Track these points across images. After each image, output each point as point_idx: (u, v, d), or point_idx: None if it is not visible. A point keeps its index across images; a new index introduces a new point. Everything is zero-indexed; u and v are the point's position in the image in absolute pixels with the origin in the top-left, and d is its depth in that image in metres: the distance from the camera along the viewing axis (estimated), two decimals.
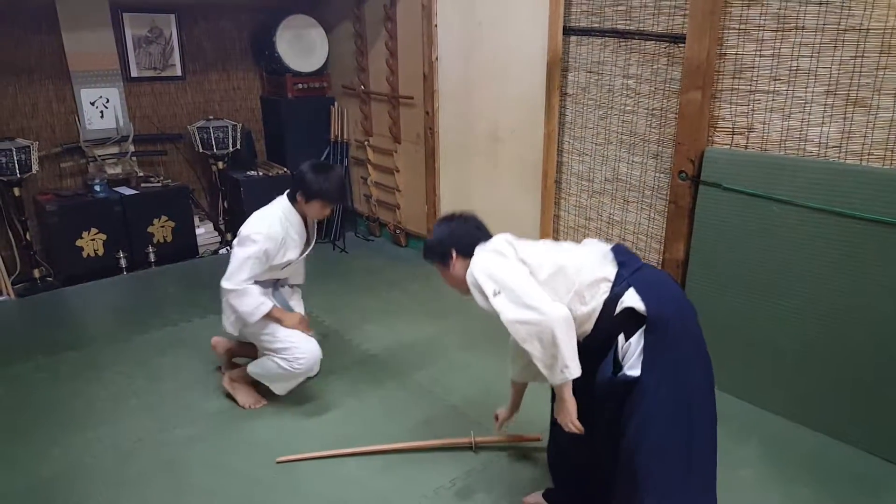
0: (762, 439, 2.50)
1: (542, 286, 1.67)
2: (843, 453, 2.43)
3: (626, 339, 1.62)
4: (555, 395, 1.80)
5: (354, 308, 3.74)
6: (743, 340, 2.71)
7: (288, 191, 2.68)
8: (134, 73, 4.57)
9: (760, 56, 2.53)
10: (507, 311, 1.66)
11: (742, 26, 2.56)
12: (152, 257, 4.41)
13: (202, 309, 3.68)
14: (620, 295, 1.63)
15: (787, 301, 2.54)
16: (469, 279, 1.78)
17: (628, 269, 1.68)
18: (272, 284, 2.72)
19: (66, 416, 2.68)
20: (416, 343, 3.31)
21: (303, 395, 2.81)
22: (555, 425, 1.89)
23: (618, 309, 1.62)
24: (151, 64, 4.64)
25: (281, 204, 2.67)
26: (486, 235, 1.91)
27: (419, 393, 2.84)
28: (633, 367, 1.59)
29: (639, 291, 1.62)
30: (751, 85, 2.58)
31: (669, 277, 1.82)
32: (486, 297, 1.71)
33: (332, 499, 2.21)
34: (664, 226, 2.97)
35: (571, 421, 1.72)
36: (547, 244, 1.87)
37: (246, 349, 2.91)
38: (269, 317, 2.58)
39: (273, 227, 2.56)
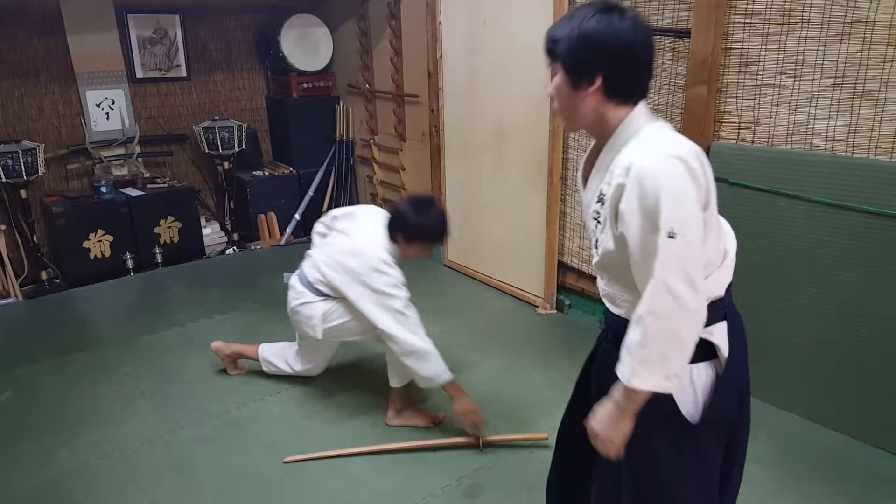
0: (773, 436, 2.48)
1: None
2: (855, 450, 2.40)
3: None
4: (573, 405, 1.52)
5: None
6: (751, 336, 2.68)
7: (387, 225, 2.43)
8: (139, 75, 4.59)
9: (766, 50, 2.51)
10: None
11: (747, 20, 2.54)
12: (159, 258, 4.43)
13: (209, 309, 3.69)
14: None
15: (795, 296, 2.53)
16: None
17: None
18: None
19: (73, 417, 2.69)
20: None
21: (309, 395, 2.82)
22: (561, 442, 1.62)
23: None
24: (156, 65, 4.66)
25: (381, 241, 2.41)
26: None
27: (426, 392, 2.83)
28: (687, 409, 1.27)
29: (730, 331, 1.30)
30: (756, 79, 2.56)
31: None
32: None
33: (339, 498, 2.22)
34: None
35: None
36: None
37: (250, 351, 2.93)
38: (444, 388, 2.39)
39: (392, 265, 2.37)
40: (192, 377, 2.99)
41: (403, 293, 2.34)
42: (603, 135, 1.28)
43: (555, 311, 3.59)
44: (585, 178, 1.37)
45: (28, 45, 4.14)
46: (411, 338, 2.31)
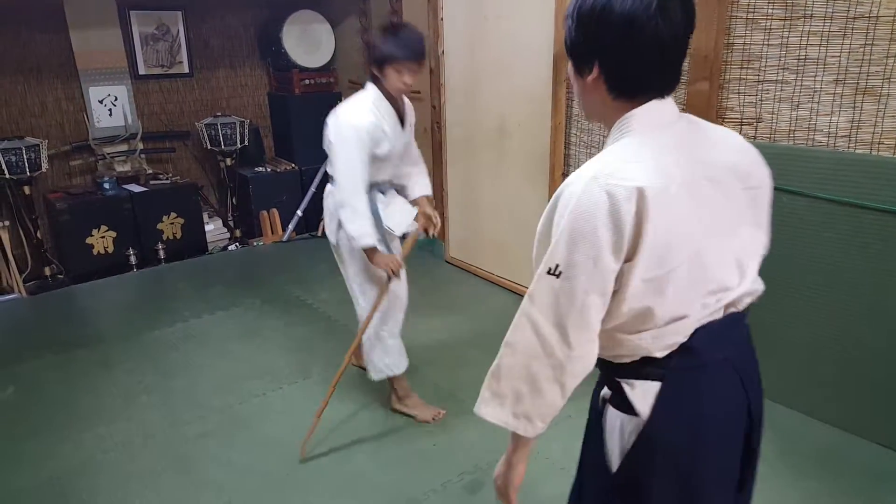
0: (774, 433, 2.46)
1: None
2: (857, 447, 2.40)
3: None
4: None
5: None
6: (755, 334, 2.68)
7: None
8: (142, 71, 4.60)
9: (768, 45, 2.50)
10: None
11: (749, 15, 2.52)
12: (162, 254, 4.44)
13: (211, 305, 3.70)
14: None
15: (796, 292, 2.52)
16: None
17: None
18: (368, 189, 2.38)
19: (76, 413, 2.71)
20: (426, 338, 3.31)
21: (311, 391, 2.83)
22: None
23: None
24: (159, 61, 4.66)
25: (368, 90, 2.31)
26: None
27: (429, 388, 2.84)
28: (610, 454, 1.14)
29: None
30: (759, 75, 2.56)
31: None
32: None
33: (341, 492, 2.23)
34: None
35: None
36: None
37: None
38: (365, 251, 2.32)
39: (362, 116, 2.23)
40: (195, 373, 3.00)
41: (350, 145, 2.22)
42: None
43: None
44: None
45: (31, 41, 4.15)
46: (348, 189, 2.25)
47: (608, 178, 0.95)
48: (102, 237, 4.22)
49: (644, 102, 1.02)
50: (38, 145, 3.97)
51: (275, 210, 4.82)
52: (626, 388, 1.08)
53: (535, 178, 3.53)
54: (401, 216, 2.49)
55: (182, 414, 2.69)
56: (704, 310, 1.04)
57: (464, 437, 2.48)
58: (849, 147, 2.36)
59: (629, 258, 0.97)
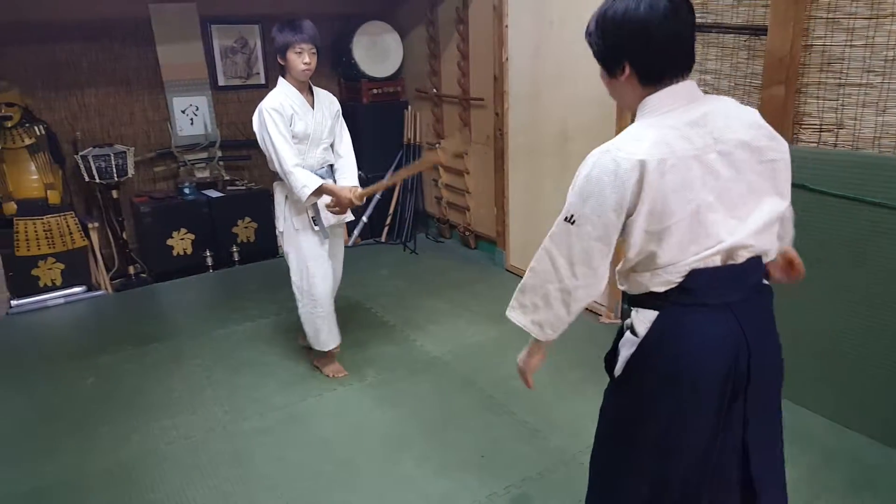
0: (795, 437, 2.30)
1: None
2: (880, 454, 2.27)
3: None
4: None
5: (420, 308, 3.77)
6: (828, 349, 2.50)
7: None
8: (221, 82, 4.83)
9: (851, 46, 2.33)
10: None
11: (830, 15, 2.37)
12: (236, 256, 4.64)
13: (280, 306, 3.82)
14: None
15: (878, 311, 2.33)
16: None
17: None
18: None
19: (147, 403, 2.86)
20: (479, 346, 3.30)
21: (365, 395, 2.87)
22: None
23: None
24: (237, 73, 4.89)
25: (279, 82, 2.80)
26: None
27: (479, 398, 2.82)
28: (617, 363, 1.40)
29: None
30: (840, 78, 2.39)
31: None
32: None
33: (387, 496, 2.24)
34: None
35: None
36: None
37: None
38: (321, 192, 2.68)
39: (271, 100, 2.69)
40: (259, 370, 3.11)
41: (272, 128, 2.64)
42: None
43: (619, 321, 3.47)
44: None
45: (122, 55, 4.46)
46: (284, 160, 2.64)
47: (617, 152, 1.22)
48: (182, 239, 4.45)
49: (663, 88, 1.26)
50: (125, 152, 4.25)
51: None
52: (633, 314, 1.37)
53: None
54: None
55: (242, 410, 2.78)
56: (695, 256, 1.25)
57: (512, 450, 2.44)
58: None
59: (630, 214, 1.23)
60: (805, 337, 2.52)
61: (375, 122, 4.97)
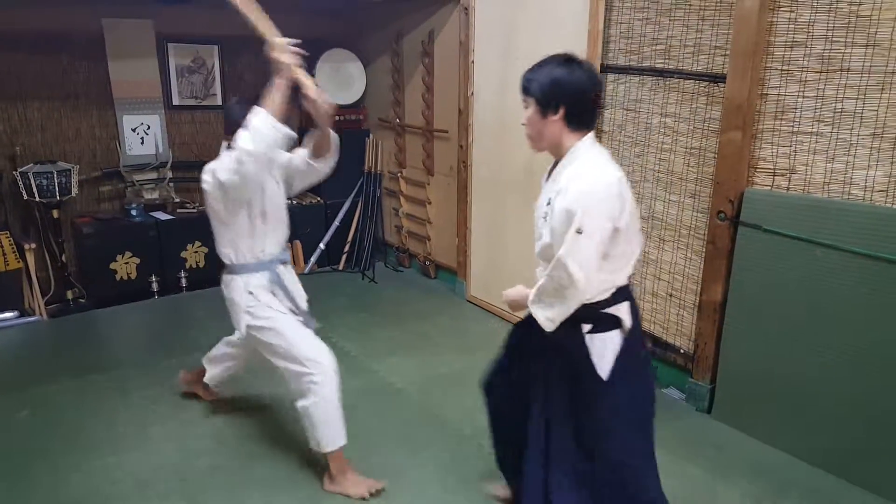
0: (803, 495, 2.37)
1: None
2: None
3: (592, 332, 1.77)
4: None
5: (381, 339, 3.70)
6: (783, 388, 2.60)
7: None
8: (175, 102, 4.69)
9: (804, 97, 2.48)
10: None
11: (785, 67, 2.51)
12: (184, 282, 4.45)
13: (229, 335, 3.66)
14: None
15: (829, 349, 2.44)
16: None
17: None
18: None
19: (88, 439, 2.67)
20: (442, 377, 3.25)
21: None
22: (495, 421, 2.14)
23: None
24: (193, 93, 4.76)
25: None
26: None
27: (444, 430, 2.77)
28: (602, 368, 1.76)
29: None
30: (793, 126, 2.53)
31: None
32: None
33: None
34: (701, 266, 2.90)
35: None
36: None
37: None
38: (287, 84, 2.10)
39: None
40: (210, 404, 2.96)
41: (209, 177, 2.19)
42: (559, 154, 1.76)
43: None
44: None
45: (71, 69, 4.27)
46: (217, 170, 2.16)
47: (600, 174, 1.67)
48: (126, 263, 4.24)
49: (586, 133, 1.73)
50: (69, 170, 4.04)
51: (298, 242, 4.83)
52: (613, 310, 1.76)
53: None
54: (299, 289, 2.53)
55: (193, 446, 2.64)
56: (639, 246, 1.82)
57: (482, 485, 2.40)
58: (886, 202, 2.31)
59: (616, 221, 1.66)
60: (744, 359, 2.61)
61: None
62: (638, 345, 1.83)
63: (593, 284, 1.68)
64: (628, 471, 1.82)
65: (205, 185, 2.24)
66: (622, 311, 1.76)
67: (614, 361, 1.74)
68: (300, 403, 2.29)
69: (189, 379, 2.99)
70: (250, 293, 2.36)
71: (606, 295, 1.75)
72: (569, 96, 1.67)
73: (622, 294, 1.77)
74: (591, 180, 1.65)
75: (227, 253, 2.38)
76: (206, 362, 2.85)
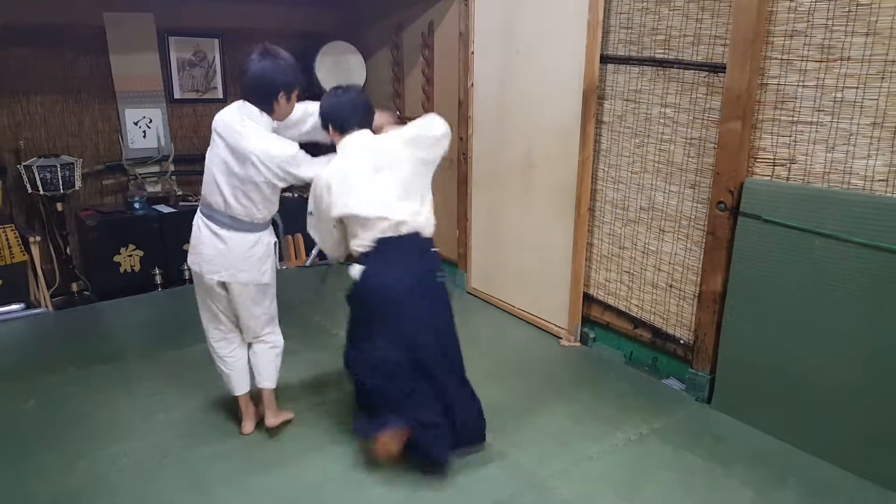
0: (801, 483, 2.38)
1: None
2: (889, 502, 2.30)
3: None
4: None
5: None
6: (783, 377, 2.61)
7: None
8: (177, 95, 4.71)
9: (803, 87, 2.48)
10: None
11: (785, 57, 2.51)
12: (187, 274, 4.48)
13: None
14: None
15: (830, 338, 2.45)
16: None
17: None
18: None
19: (94, 428, 2.71)
20: None
21: (322, 414, 2.79)
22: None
23: None
24: (194, 86, 4.78)
25: None
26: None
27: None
28: None
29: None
30: (793, 116, 2.53)
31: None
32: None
33: None
34: (701, 257, 2.91)
35: None
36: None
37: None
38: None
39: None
40: (213, 394, 2.99)
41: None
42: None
43: (578, 344, 3.53)
44: None
45: (74, 63, 4.29)
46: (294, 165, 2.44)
47: (325, 175, 2.34)
48: (130, 256, 4.27)
49: (347, 134, 2.39)
50: (72, 164, 4.07)
51: (299, 235, 4.85)
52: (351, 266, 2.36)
53: (560, 212, 3.51)
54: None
55: (198, 435, 2.66)
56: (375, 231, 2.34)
57: (481, 475, 2.42)
58: (886, 191, 2.31)
59: (330, 209, 2.34)
60: (744, 350, 2.63)
61: None
62: (369, 295, 2.36)
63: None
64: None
65: (266, 170, 2.35)
66: (355, 268, 2.38)
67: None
68: (268, 346, 2.66)
69: (278, 418, 2.73)
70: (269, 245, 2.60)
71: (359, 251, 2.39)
72: (333, 116, 2.40)
73: (361, 256, 2.37)
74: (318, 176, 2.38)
75: (257, 214, 2.48)
76: (248, 385, 2.71)
